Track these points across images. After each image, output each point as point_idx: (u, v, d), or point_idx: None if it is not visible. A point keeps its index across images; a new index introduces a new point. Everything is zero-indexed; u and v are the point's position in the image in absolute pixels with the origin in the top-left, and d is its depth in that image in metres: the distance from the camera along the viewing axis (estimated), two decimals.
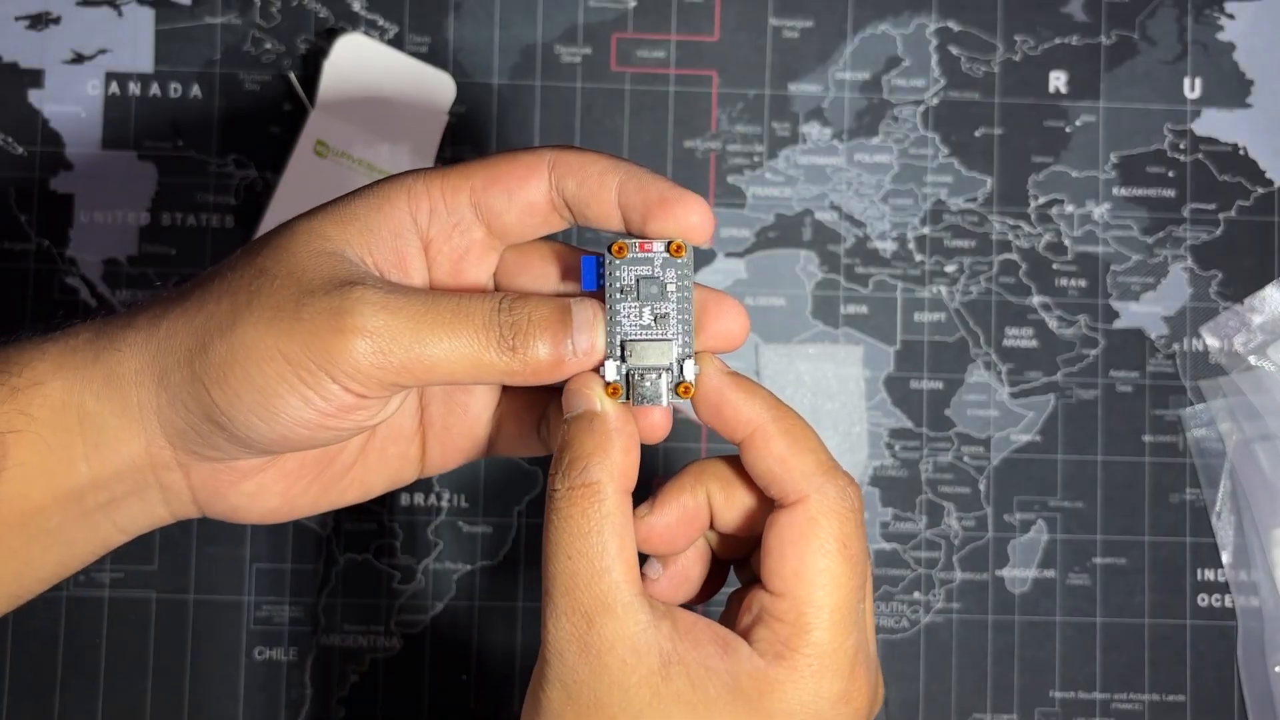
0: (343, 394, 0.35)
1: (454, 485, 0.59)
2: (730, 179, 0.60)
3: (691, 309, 0.37)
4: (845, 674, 0.35)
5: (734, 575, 0.41)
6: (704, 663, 0.35)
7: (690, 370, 0.36)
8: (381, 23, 0.60)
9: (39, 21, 0.59)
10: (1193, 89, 0.61)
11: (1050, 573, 0.59)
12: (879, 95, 0.61)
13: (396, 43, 0.60)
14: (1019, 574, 0.59)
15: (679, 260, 0.36)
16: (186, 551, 0.58)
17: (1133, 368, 0.60)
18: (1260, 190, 0.61)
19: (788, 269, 0.60)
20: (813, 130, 0.60)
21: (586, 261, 0.37)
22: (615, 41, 0.60)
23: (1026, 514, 0.59)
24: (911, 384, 0.60)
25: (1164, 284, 0.60)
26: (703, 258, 0.60)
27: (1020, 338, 0.60)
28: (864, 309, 0.60)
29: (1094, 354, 0.60)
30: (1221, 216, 0.61)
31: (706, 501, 0.38)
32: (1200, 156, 0.61)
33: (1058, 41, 0.61)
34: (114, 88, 0.59)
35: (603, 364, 0.36)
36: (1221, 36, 0.61)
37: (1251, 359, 0.60)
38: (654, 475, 0.58)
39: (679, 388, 0.36)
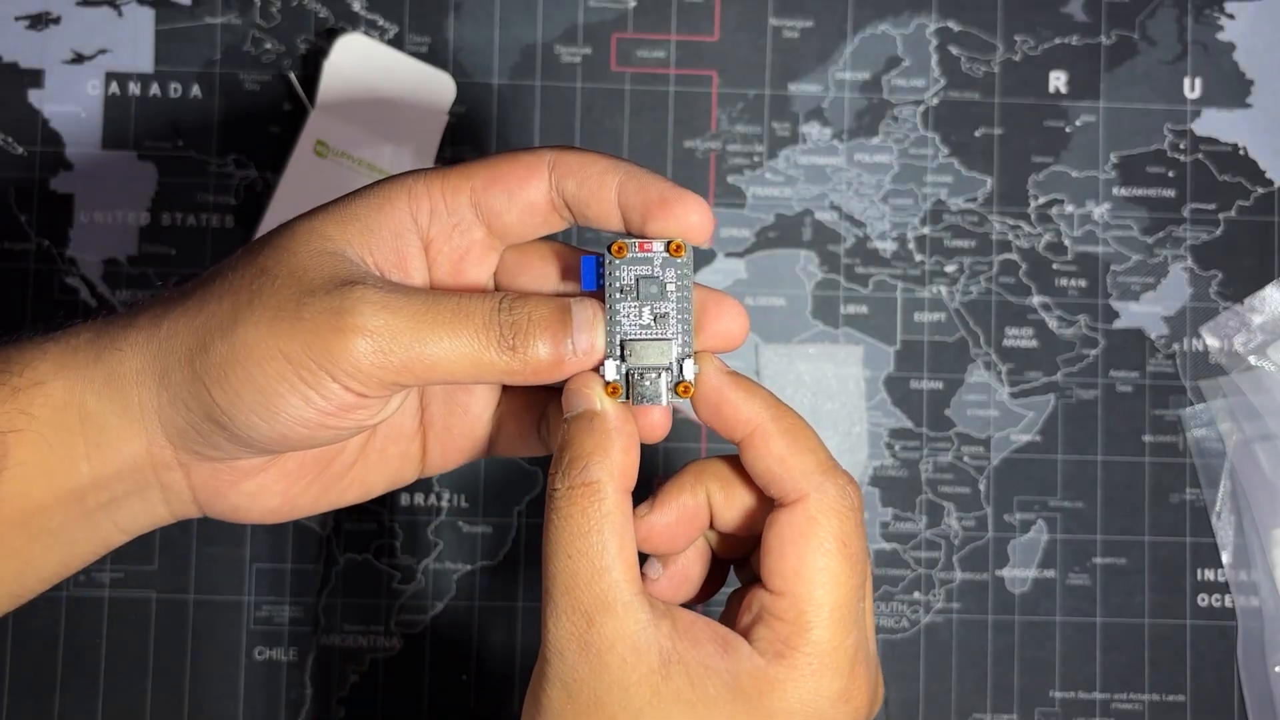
0: (343, 393, 0.35)
1: (454, 485, 0.59)
2: (730, 179, 0.60)
3: (691, 309, 0.37)
4: (845, 672, 0.35)
5: (734, 575, 0.41)
6: (704, 661, 0.35)
7: (690, 370, 0.36)
8: (381, 23, 0.60)
9: (39, 21, 0.59)
10: (1193, 89, 0.61)
11: (1050, 573, 0.59)
12: (879, 95, 0.61)
13: (396, 43, 0.60)
14: (1019, 574, 0.59)
15: (679, 260, 0.36)
16: (186, 551, 0.58)
17: (1133, 368, 0.60)
18: (1260, 190, 0.61)
19: (788, 269, 0.60)
20: (813, 130, 0.60)
21: (586, 261, 0.37)
22: (615, 41, 0.60)
23: (1026, 514, 0.59)
24: (911, 384, 0.60)
25: (1164, 284, 0.60)
26: (703, 258, 0.60)
27: (1020, 338, 0.60)
28: (864, 309, 0.60)
29: (1094, 354, 0.60)
30: (1221, 216, 0.61)
31: (706, 501, 0.38)
32: (1200, 156, 0.61)
33: (1058, 41, 0.61)
34: (114, 88, 0.59)
35: (602, 363, 0.36)
36: (1221, 36, 0.61)
37: (1251, 359, 0.60)
38: (654, 475, 0.58)
39: (679, 387, 0.36)
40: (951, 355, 0.60)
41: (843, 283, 0.60)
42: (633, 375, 0.36)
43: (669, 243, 0.36)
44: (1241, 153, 0.61)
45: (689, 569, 0.40)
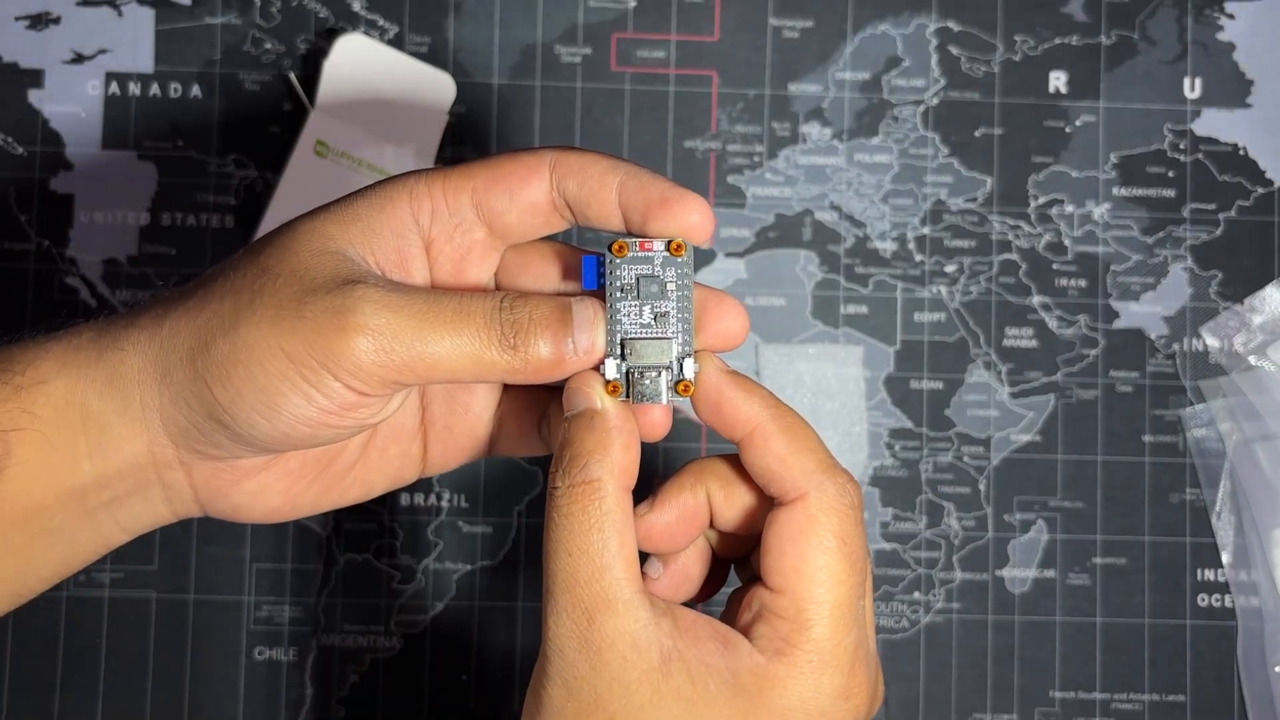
0: (345, 392, 0.35)
1: (454, 485, 0.59)
2: (730, 179, 0.60)
3: (691, 308, 0.37)
4: (845, 670, 0.35)
5: (734, 574, 0.41)
6: (704, 659, 0.35)
7: (690, 368, 0.36)
8: (381, 23, 0.60)
9: (39, 21, 0.59)
10: (1193, 89, 0.61)
11: (1050, 573, 0.59)
12: (879, 95, 0.61)
13: (396, 43, 0.60)
14: (1019, 574, 0.59)
15: (679, 259, 0.36)
16: (186, 551, 0.58)
17: (1133, 368, 0.60)
18: (1260, 190, 0.61)
19: (788, 269, 0.60)
20: (813, 130, 0.61)
21: (587, 261, 0.37)
22: (615, 41, 0.60)
23: (1026, 514, 0.59)
24: (911, 384, 0.60)
25: (1164, 284, 0.60)
26: (703, 258, 0.60)
27: (1020, 338, 0.60)
28: (864, 309, 0.60)
29: (1094, 354, 0.60)
30: (1221, 216, 0.61)
31: (706, 500, 0.38)
32: (1200, 156, 0.61)
33: (1058, 41, 0.61)
34: (114, 88, 0.59)
35: (603, 362, 0.36)
36: (1221, 36, 0.61)
37: (1251, 359, 0.60)
38: (654, 474, 0.58)
39: (679, 386, 0.36)
40: (951, 355, 0.60)
41: (843, 283, 0.60)
42: (633, 374, 0.36)
43: (669, 242, 0.36)
44: (1241, 153, 0.61)
45: (689, 568, 0.40)
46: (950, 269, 0.60)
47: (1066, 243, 0.60)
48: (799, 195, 0.60)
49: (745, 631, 0.36)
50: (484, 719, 0.58)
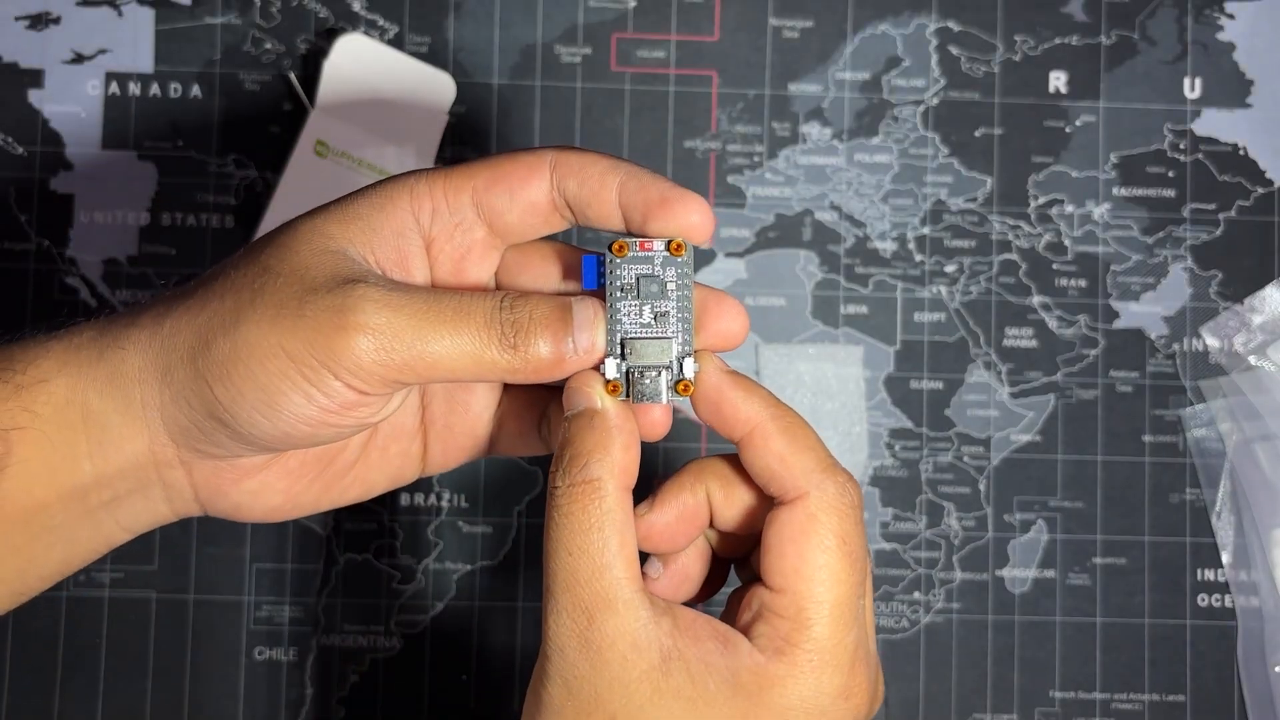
0: (345, 391, 0.35)
1: (454, 485, 0.59)
2: (730, 179, 0.60)
3: (691, 308, 0.37)
4: (845, 669, 0.35)
5: (734, 574, 0.41)
6: (704, 658, 0.35)
7: (690, 368, 0.36)
8: (381, 23, 0.60)
9: (39, 21, 0.59)
10: (1193, 89, 0.61)
11: (1050, 573, 0.59)
12: (879, 95, 0.61)
13: (396, 43, 0.60)
14: (1019, 574, 0.59)
15: (679, 259, 0.36)
16: (186, 551, 0.58)
17: (1133, 368, 0.60)
18: (1260, 190, 0.61)
19: (788, 269, 0.60)
20: (813, 130, 0.61)
21: (587, 260, 0.37)
22: (615, 41, 0.60)
23: (1026, 514, 0.59)
24: (911, 384, 0.60)
25: (1164, 284, 0.60)
26: (703, 258, 0.60)
27: (1020, 338, 0.60)
28: (864, 309, 0.60)
29: (1094, 354, 0.60)
30: (1221, 216, 0.61)
31: (706, 500, 0.38)
32: (1200, 156, 0.61)
33: (1058, 41, 0.61)
34: (114, 88, 0.59)
35: (603, 362, 0.36)
36: (1221, 36, 0.61)
37: (1251, 359, 0.60)
38: (654, 474, 0.58)
39: (679, 385, 0.36)
40: (951, 355, 0.60)
41: (843, 283, 0.60)
42: (633, 373, 0.36)
43: (670, 242, 0.36)
44: (1241, 153, 0.61)
45: (689, 568, 0.40)
46: (950, 269, 0.60)
47: (1066, 243, 0.60)
48: (799, 195, 0.60)
49: (745, 631, 0.36)
50: (484, 719, 0.58)
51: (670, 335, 0.36)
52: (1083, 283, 0.60)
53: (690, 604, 0.39)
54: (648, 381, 0.36)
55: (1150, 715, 0.59)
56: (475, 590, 0.59)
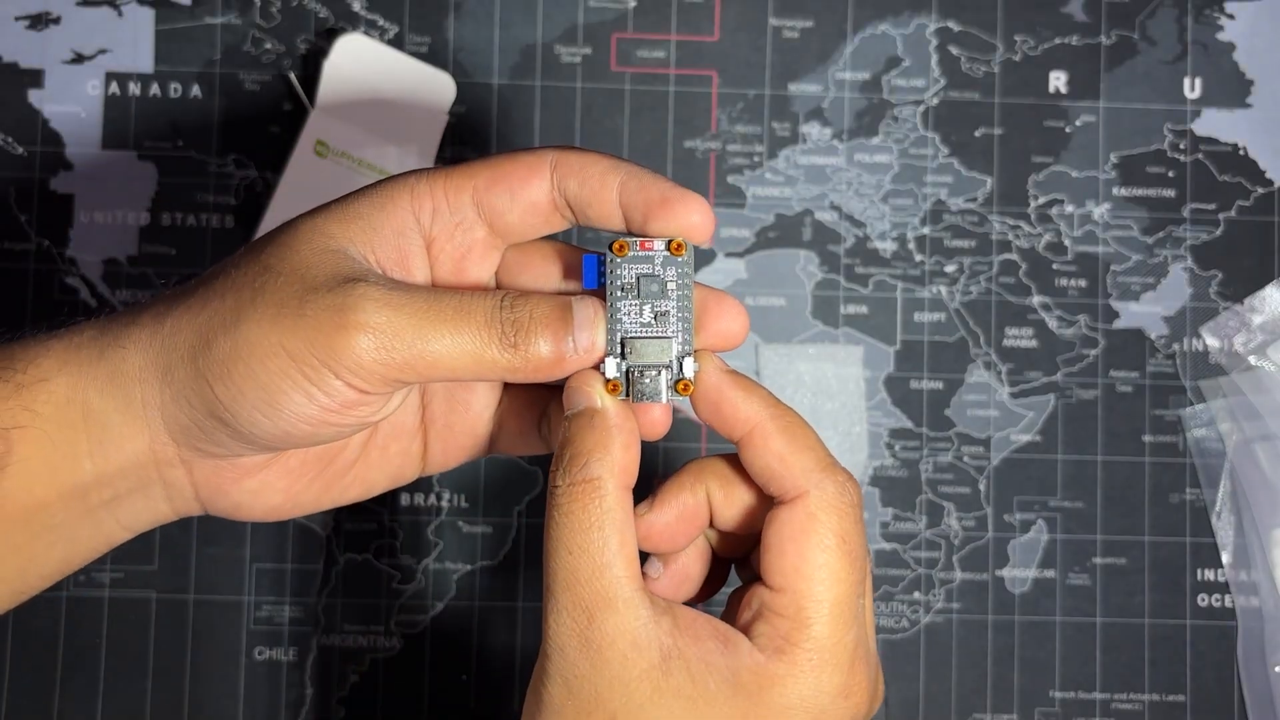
0: (346, 390, 0.35)
1: (454, 485, 0.59)
2: (730, 179, 0.60)
3: (692, 307, 0.37)
4: (845, 668, 0.35)
5: (734, 574, 0.41)
6: (704, 658, 0.35)
7: (690, 368, 0.36)
8: (381, 23, 0.60)
9: (39, 21, 0.59)
10: (1193, 89, 0.61)
11: (1050, 573, 0.59)
12: (879, 95, 0.61)
13: (396, 43, 0.60)
14: (1019, 574, 0.59)
15: (679, 259, 0.36)
16: (186, 551, 0.58)
17: (1133, 368, 0.60)
18: (1260, 190, 0.61)
19: (788, 269, 0.60)
20: (813, 130, 0.61)
21: (588, 260, 0.37)
22: (615, 41, 0.60)
23: (1026, 514, 0.59)
24: (911, 384, 0.60)
25: (1164, 284, 0.60)
26: (703, 258, 0.60)
27: (1020, 338, 0.60)
28: (864, 309, 0.60)
29: (1094, 354, 0.60)
30: (1221, 216, 0.61)
31: (706, 499, 0.38)
32: (1200, 156, 0.61)
33: (1058, 41, 0.61)
34: (114, 88, 0.59)
35: (603, 361, 0.36)
36: (1221, 36, 0.61)
37: (1251, 359, 0.60)
38: (654, 474, 0.58)
39: (678, 385, 0.36)
40: (951, 355, 0.60)
41: (843, 283, 0.60)
42: (633, 373, 0.36)
43: (670, 242, 0.36)
44: (1241, 153, 0.61)
45: (689, 567, 0.40)
46: (950, 269, 0.60)
47: (1066, 243, 0.60)
48: (799, 195, 0.60)
49: (745, 630, 0.36)
50: (484, 719, 0.58)
51: (670, 335, 0.36)
52: (1083, 283, 0.60)
53: (690, 604, 0.39)
54: (647, 381, 0.36)
55: (1150, 715, 0.59)
56: (475, 590, 0.59)
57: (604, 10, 0.60)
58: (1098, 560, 0.59)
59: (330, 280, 0.35)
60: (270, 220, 0.57)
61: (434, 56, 0.60)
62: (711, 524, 0.39)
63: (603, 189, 0.37)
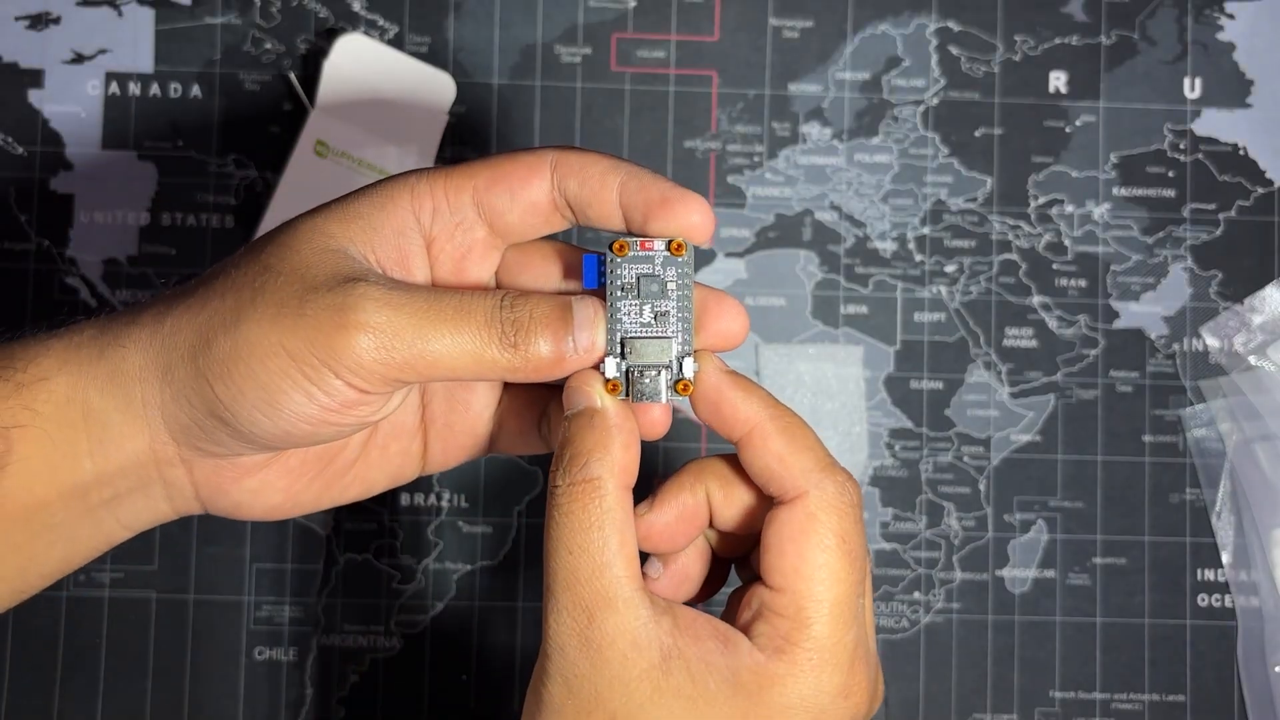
0: (346, 389, 0.35)
1: (454, 485, 0.59)
2: (730, 179, 0.60)
3: (691, 307, 0.37)
4: (845, 668, 0.35)
5: (734, 574, 0.41)
6: (704, 657, 0.35)
7: (689, 368, 0.36)
8: (381, 23, 0.60)
9: (39, 21, 0.59)
10: (1193, 89, 0.61)
11: (1050, 573, 0.59)
12: (879, 95, 0.61)
13: (396, 43, 0.60)
14: (1019, 574, 0.59)
15: (679, 259, 0.36)
16: (186, 551, 0.58)
17: (1133, 368, 0.60)
18: (1260, 190, 0.61)
19: (788, 269, 0.60)
20: (813, 130, 0.61)
21: (588, 259, 0.37)
22: (615, 41, 0.60)
23: (1026, 514, 0.59)
24: (911, 384, 0.60)
25: (1164, 284, 0.60)
26: (703, 258, 0.60)
27: (1020, 338, 0.60)
28: (864, 309, 0.60)
29: (1094, 354, 0.60)
30: (1221, 216, 0.61)
31: (706, 500, 0.38)
32: (1200, 156, 0.61)
33: (1058, 41, 0.61)
34: (114, 88, 0.59)
35: (603, 361, 0.36)
36: (1221, 36, 0.61)
37: (1251, 359, 0.60)
38: (654, 474, 0.58)
39: (678, 385, 0.36)
40: (951, 355, 0.60)
41: (843, 283, 0.60)
42: (633, 373, 0.36)
43: (670, 242, 0.36)
44: (1241, 153, 0.61)
45: (689, 568, 0.40)
46: (950, 269, 0.60)
47: (1066, 243, 0.60)
48: (799, 195, 0.60)
49: (745, 630, 0.36)
50: (484, 719, 0.58)
51: (670, 335, 0.36)
52: (1083, 283, 0.60)
53: (690, 604, 0.39)
54: (647, 381, 0.36)
55: (1150, 715, 0.59)
56: (475, 590, 0.59)
57: (604, 10, 0.60)
58: (1098, 560, 0.59)
59: (330, 280, 0.35)
60: (270, 220, 0.57)
61: (434, 56, 0.60)
62: (711, 524, 0.39)
63: (603, 189, 0.37)
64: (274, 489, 0.40)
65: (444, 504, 0.59)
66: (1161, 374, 0.60)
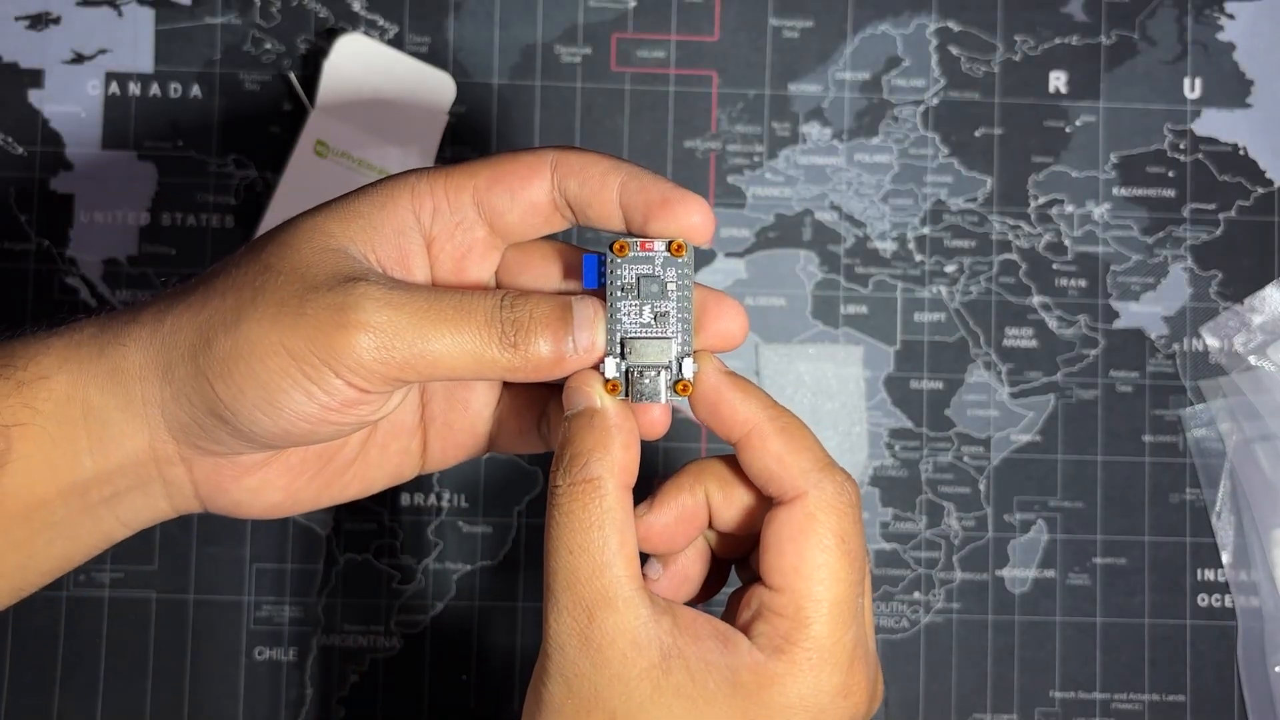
0: (346, 389, 0.35)
1: (454, 485, 0.59)
2: (730, 179, 0.60)
3: (691, 308, 0.37)
4: (844, 667, 0.35)
5: (734, 574, 0.42)
6: (704, 657, 0.35)
7: (689, 368, 0.36)
8: (381, 23, 0.60)
9: (39, 21, 0.59)
10: (1193, 89, 0.61)
11: (1050, 573, 0.59)
12: (879, 95, 0.61)
13: (396, 43, 0.60)
14: (1019, 574, 0.59)
15: (679, 259, 0.36)
16: (186, 551, 0.58)
17: (1133, 368, 0.60)
18: (1260, 190, 0.61)
19: (788, 269, 0.60)
20: (813, 130, 0.61)
21: (588, 259, 0.37)
22: (615, 41, 0.60)
23: (1026, 514, 0.59)
24: (911, 384, 0.60)
25: (1164, 284, 0.60)
26: (703, 258, 0.60)
27: (1020, 338, 0.60)
28: (864, 309, 0.60)
29: (1094, 354, 0.60)
30: (1221, 216, 0.61)
31: (705, 500, 0.39)
32: (1200, 156, 0.61)
33: (1058, 41, 0.61)
34: (114, 88, 0.59)
35: (603, 361, 0.36)
36: (1221, 36, 0.61)
37: (1251, 359, 0.60)
38: (654, 474, 0.58)
39: (678, 385, 0.36)
40: (951, 355, 0.60)
41: (843, 283, 0.60)
42: (632, 373, 0.36)
43: (670, 242, 0.36)
44: (1241, 153, 0.61)
45: (689, 568, 0.40)
46: (950, 269, 0.60)
47: (1066, 243, 0.60)
48: (799, 195, 0.60)
49: (745, 630, 0.36)
50: (484, 719, 0.58)
51: (670, 335, 0.36)
52: (1083, 283, 0.60)
53: (690, 604, 0.39)
54: (647, 381, 0.36)
55: (1150, 715, 0.59)
56: (475, 590, 0.59)
57: (604, 10, 0.60)
58: (1098, 560, 0.59)
59: (331, 279, 0.35)
60: (270, 220, 0.57)
61: (434, 56, 0.60)
62: (711, 525, 0.39)
63: (603, 189, 0.37)
64: (273, 487, 0.40)
65: (444, 504, 0.59)
66: (1161, 374, 0.60)
